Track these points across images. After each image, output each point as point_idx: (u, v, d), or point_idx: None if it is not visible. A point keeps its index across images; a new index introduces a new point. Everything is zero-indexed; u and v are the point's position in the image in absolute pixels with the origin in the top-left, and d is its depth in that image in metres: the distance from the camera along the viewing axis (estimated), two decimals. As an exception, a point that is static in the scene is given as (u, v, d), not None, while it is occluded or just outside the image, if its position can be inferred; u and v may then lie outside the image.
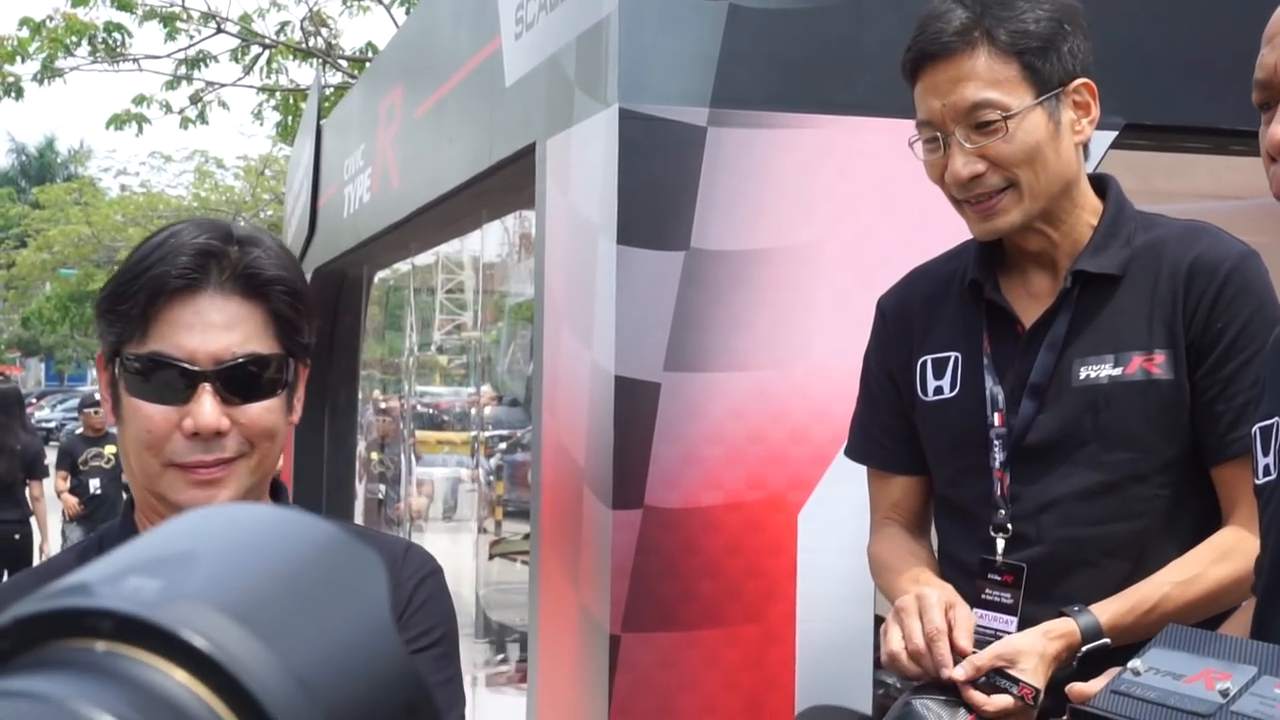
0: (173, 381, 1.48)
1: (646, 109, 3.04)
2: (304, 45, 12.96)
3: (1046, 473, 2.08)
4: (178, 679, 0.46)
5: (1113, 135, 3.22)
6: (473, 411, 6.27)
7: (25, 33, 12.66)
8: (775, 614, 3.10)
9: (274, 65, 13.15)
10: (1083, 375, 2.07)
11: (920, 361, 2.23)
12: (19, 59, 12.71)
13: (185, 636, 0.46)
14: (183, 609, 0.47)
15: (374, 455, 7.91)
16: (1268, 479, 1.64)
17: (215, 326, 1.49)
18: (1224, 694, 1.37)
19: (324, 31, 13.01)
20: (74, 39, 12.59)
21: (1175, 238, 2.10)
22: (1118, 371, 2.05)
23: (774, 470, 3.11)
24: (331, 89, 11.61)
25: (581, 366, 3.24)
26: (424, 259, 6.78)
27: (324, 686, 0.47)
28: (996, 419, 2.12)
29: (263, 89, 13.46)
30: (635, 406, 3.05)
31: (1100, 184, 2.18)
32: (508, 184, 4.25)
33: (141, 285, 1.47)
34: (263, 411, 1.53)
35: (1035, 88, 2.03)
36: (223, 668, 0.45)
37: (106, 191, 29.42)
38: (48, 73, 12.70)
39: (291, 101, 13.13)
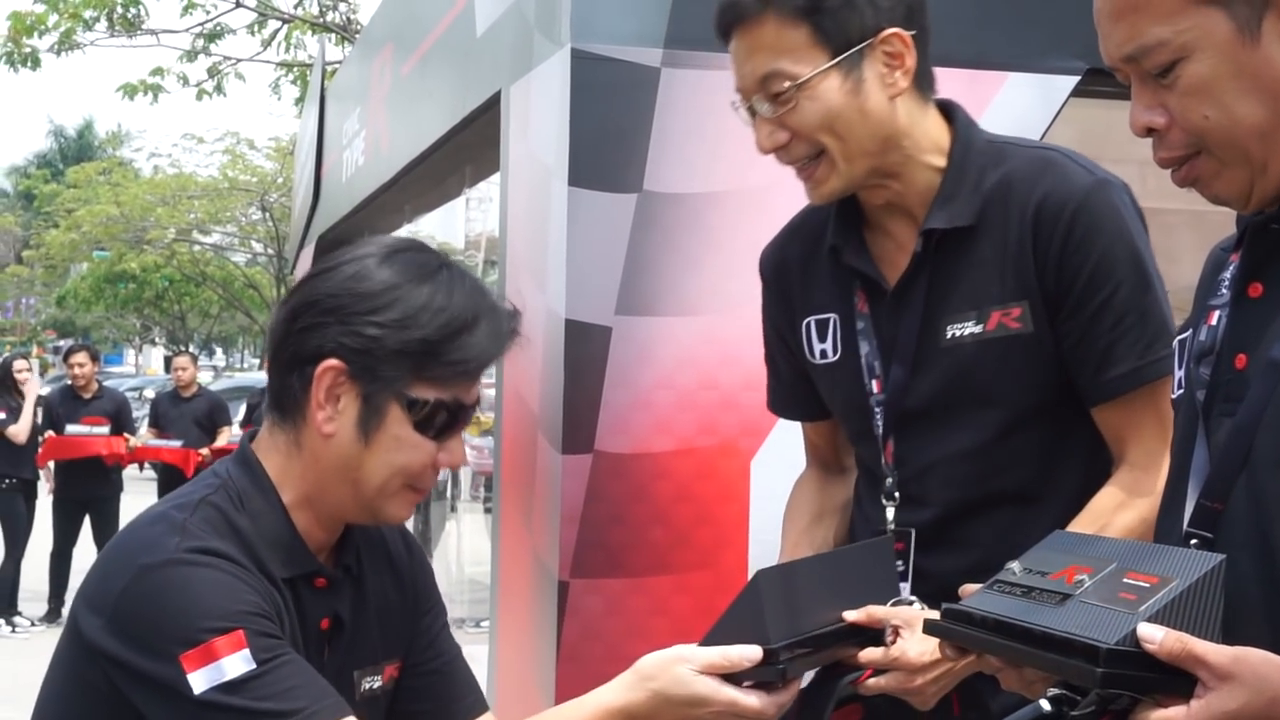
0: (455, 427, 1.71)
1: (599, 49, 3.02)
2: (321, 20, 12.95)
3: (929, 436, 2.04)
4: None
5: (1074, 81, 3.17)
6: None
7: (42, 7, 12.70)
8: (727, 562, 3.06)
9: (291, 40, 13.16)
10: (949, 335, 2.01)
11: (805, 323, 2.18)
12: (36, 34, 12.73)
13: None
14: None
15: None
16: (1179, 392, 1.60)
17: None
18: (1078, 585, 1.38)
19: (341, 5, 12.99)
20: (92, 13, 12.60)
21: (1022, 174, 1.99)
22: (979, 329, 1.99)
23: (726, 416, 3.07)
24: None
25: (536, 312, 3.21)
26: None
27: None
28: (875, 385, 2.07)
29: (281, 64, 13.46)
30: (586, 350, 3.02)
31: (947, 111, 2.07)
32: (484, 137, 4.22)
33: (481, 352, 1.68)
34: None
35: (829, 50, 1.92)
36: None
37: (139, 172, 29.55)
38: (64, 45, 12.71)
39: (309, 76, 13.11)
